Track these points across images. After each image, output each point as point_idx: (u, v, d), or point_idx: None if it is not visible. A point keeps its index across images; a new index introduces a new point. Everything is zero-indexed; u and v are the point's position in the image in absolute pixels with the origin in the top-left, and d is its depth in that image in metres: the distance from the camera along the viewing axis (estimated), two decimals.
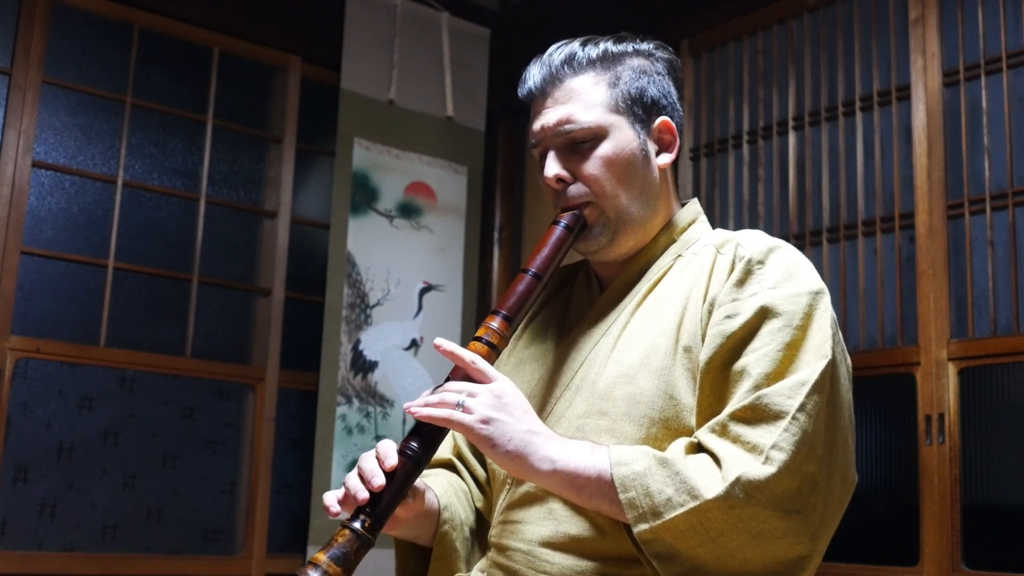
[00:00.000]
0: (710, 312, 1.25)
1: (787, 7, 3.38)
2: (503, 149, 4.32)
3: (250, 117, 3.82)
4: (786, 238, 2.33)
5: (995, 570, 2.66)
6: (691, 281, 1.30)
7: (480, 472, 1.46)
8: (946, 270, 2.87)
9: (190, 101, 3.68)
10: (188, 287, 3.58)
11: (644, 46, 1.40)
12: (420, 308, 3.91)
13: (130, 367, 3.39)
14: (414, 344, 3.88)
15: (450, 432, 1.48)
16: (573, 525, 1.25)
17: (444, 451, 1.48)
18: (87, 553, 3.25)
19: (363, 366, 3.75)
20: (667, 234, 1.39)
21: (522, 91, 1.39)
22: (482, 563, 1.37)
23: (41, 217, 3.33)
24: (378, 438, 3.74)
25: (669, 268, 1.35)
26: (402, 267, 3.89)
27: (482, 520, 1.43)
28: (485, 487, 1.45)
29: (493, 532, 1.35)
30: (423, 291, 3.93)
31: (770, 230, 2.56)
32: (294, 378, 3.74)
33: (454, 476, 1.45)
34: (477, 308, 4.07)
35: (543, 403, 1.34)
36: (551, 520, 1.27)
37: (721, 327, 1.21)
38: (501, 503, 1.34)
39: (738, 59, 3.53)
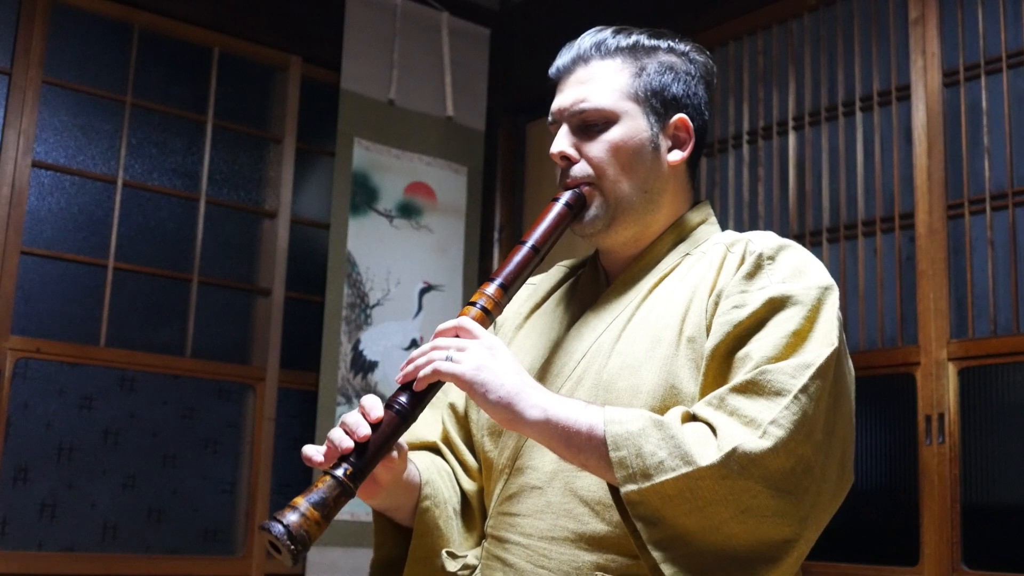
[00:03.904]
0: (716, 303, 1.25)
1: (787, 7, 3.38)
2: (503, 149, 4.32)
3: (250, 117, 3.82)
4: (786, 238, 2.30)
5: (995, 570, 2.66)
6: (698, 277, 1.31)
7: (469, 459, 1.44)
8: (946, 270, 2.87)
9: (190, 101, 3.68)
10: (188, 287, 3.58)
11: (680, 46, 1.40)
12: (420, 308, 3.91)
13: (130, 367, 3.39)
14: (414, 344, 3.87)
15: (440, 418, 1.47)
16: (571, 519, 1.25)
17: (431, 435, 1.46)
18: (87, 553, 3.25)
19: (363, 366, 3.75)
20: (675, 232, 1.39)
21: (551, 70, 1.40)
22: (476, 551, 1.36)
23: (41, 217, 3.33)
24: None
25: (677, 265, 1.36)
26: (402, 267, 3.89)
27: (467, 502, 1.42)
28: (475, 475, 1.44)
29: (490, 523, 1.35)
30: (423, 291, 3.93)
31: (770, 230, 2.55)
32: (294, 378, 3.74)
33: (437, 457, 1.44)
34: None
35: None
36: (549, 513, 1.26)
37: (728, 316, 1.22)
38: (497, 493, 1.34)
39: (738, 59, 3.53)
